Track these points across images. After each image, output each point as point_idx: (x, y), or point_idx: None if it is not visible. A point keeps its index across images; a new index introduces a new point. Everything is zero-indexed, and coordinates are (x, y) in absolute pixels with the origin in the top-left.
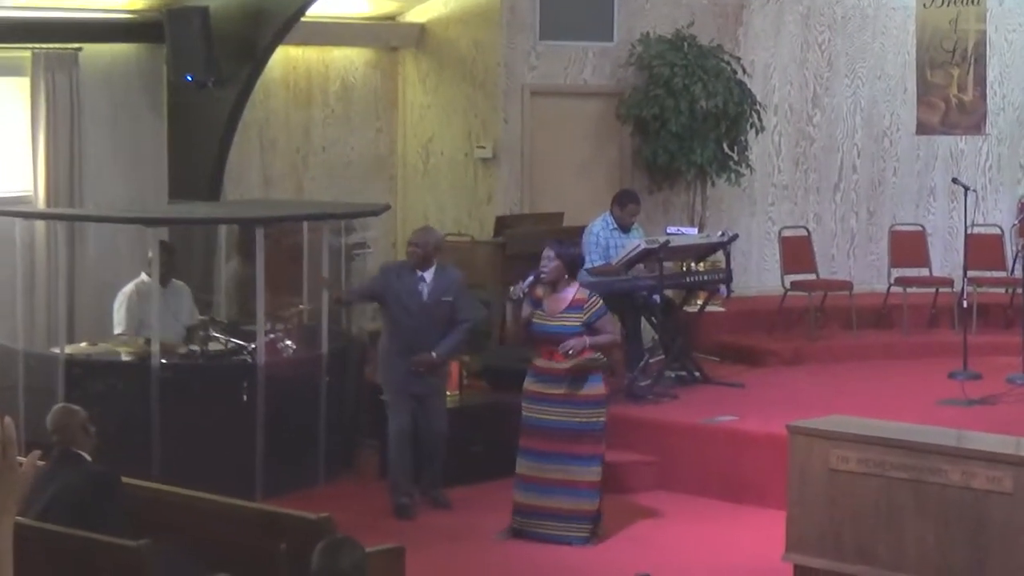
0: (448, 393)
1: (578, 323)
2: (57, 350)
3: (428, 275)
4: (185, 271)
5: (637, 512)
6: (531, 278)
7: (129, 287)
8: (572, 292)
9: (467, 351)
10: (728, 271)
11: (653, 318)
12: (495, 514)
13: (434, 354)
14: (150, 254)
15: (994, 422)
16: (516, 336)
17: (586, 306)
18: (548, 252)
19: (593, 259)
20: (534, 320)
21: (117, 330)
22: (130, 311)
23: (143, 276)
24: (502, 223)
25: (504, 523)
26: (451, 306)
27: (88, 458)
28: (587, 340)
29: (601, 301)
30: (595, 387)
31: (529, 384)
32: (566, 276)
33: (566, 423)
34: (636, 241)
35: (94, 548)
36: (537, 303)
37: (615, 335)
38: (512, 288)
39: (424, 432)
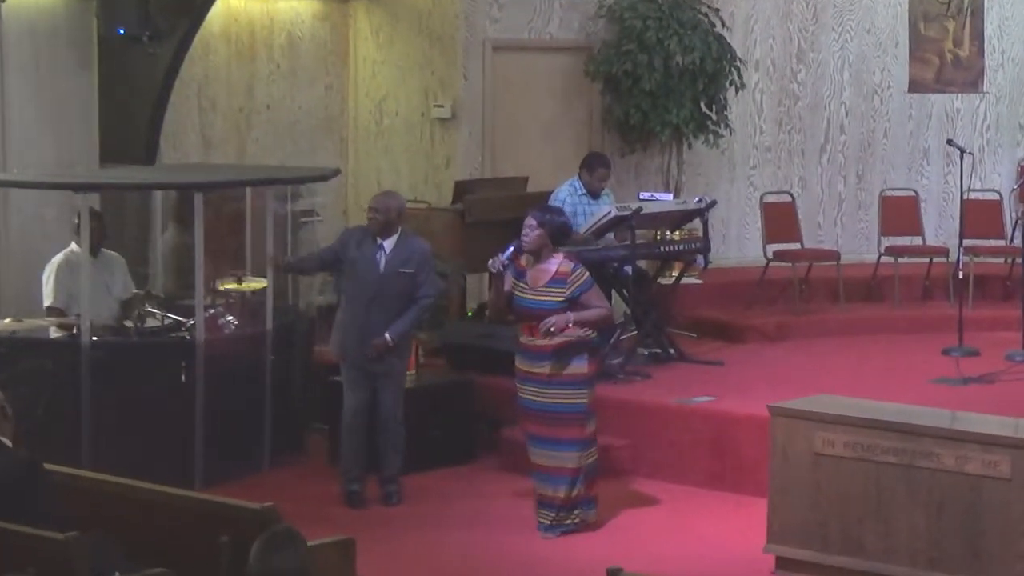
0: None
1: (560, 298)
2: None
3: (388, 244)
4: (118, 241)
5: (608, 500)
6: (511, 248)
7: (58, 257)
8: (555, 264)
9: (425, 327)
10: (706, 240)
11: (625, 291)
12: (453, 503)
13: (388, 336)
14: (76, 221)
15: (991, 402)
16: (497, 311)
17: (570, 279)
18: (530, 220)
19: None
20: (516, 293)
21: (47, 302)
22: (59, 283)
23: (73, 246)
24: (461, 188)
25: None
26: (411, 279)
27: (8, 443)
28: (570, 316)
29: (587, 274)
30: (578, 366)
31: (517, 361)
32: (550, 246)
33: (550, 405)
34: (606, 208)
35: (14, 541)
36: (521, 273)
37: (604, 309)
38: (491, 261)
39: (380, 416)
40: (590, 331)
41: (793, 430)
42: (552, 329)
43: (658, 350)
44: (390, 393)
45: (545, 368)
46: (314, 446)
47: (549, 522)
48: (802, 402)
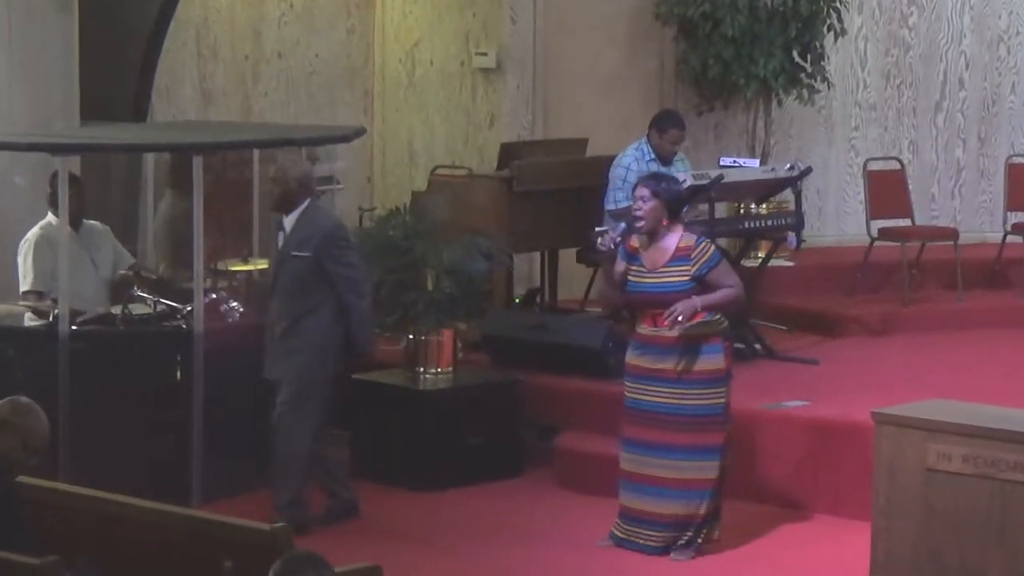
0: (438, 370)
1: (686, 278)
2: None
3: (289, 221)
4: (101, 212)
5: None
6: (623, 226)
7: (34, 232)
8: (675, 239)
9: (463, 317)
10: (798, 215)
11: None
12: (495, 523)
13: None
14: (49, 189)
15: None
16: (608, 299)
17: (694, 255)
18: (642, 191)
19: (619, 199)
20: (629, 278)
21: (25, 286)
22: (37, 262)
23: (50, 217)
24: (508, 152)
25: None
26: (309, 267)
27: None
28: (697, 301)
29: (713, 247)
30: (712, 360)
31: (631, 357)
32: (666, 221)
33: (676, 407)
34: (680, 176)
35: None
36: (633, 256)
37: (736, 288)
38: (599, 239)
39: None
40: (719, 316)
41: (901, 441)
42: (680, 318)
43: (742, 345)
44: (284, 406)
45: (674, 364)
46: (333, 456)
47: (690, 543)
48: (912, 408)
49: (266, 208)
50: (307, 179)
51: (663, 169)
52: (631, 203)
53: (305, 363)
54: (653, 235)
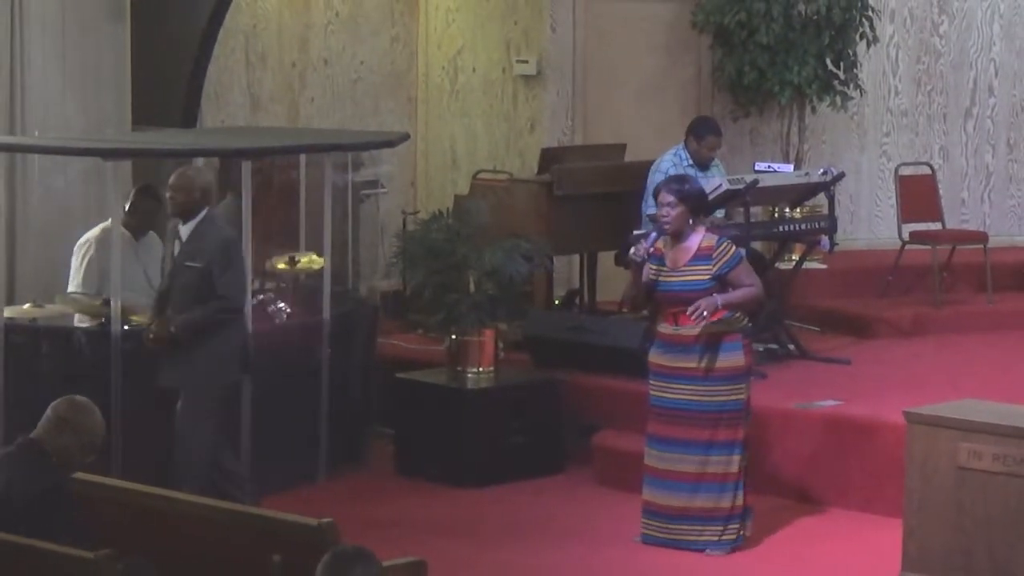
0: (480, 369)
1: (707, 276)
2: None
3: (185, 230)
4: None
5: None
6: (654, 236)
7: (92, 234)
8: (698, 239)
9: (504, 318)
10: (831, 219)
11: None
12: (539, 519)
13: (172, 328)
14: (126, 199)
15: None
16: (638, 302)
17: (715, 254)
18: (667, 197)
19: None
20: (652, 277)
21: (73, 287)
22: (91, 267)
23: (110, 222)
24: (549, 157)
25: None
26: (201, 278)
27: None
28: (718, 299)
29: (734, 247)
30: (733, 357)
31: (654, 356)
32: (691, 220)
33: (699, 404)
34: (716, 181)
35: (40, 560)
36: (659, 257)
37: (756, 287)
38: (633, 249)
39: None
40: (739, 314)
41: (933, 440)
42: (705, 314)
43: (775, 346)
44: (180, 413)
45: (693, 361)
46: (378, 453)
47: (732, 536)
48: (944, 408)
49: (315, 211)
50: (210, 189)
51: (700, 175)
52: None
53: (201, 372)
54: (677, 235)
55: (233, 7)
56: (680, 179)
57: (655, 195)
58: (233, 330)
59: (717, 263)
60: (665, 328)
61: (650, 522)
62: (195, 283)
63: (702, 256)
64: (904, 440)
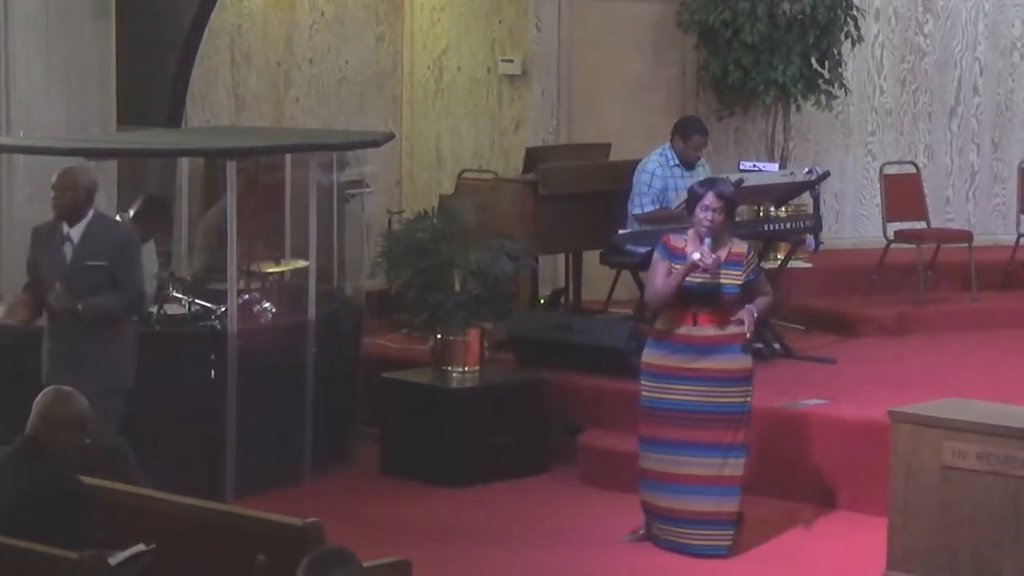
0: (465, 369)
1: (740, 281)
2: None
3: (76, 232)
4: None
5: None
6: (708, 241)
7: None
8: (729, 244)
9: (489, 318)
10: (816, 218)
11: None
12: (523, 519)
13: (79, 306)
14: (133, 207)
15: None
16: (663, 298)
17: (746, 261)
18: (715, 201)
19: (644, 203)
20: (692, 279)
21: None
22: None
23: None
24: (534, 156)
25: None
26: (105, 275)
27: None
28: (753, 310)
29: (753, 252)
30: (742, 359)
31: (653, 357)
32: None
33: (706, 405)
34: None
35: (22, 559)
36: (674, 254)
37: (771, 294)
38: (697, 258)
39: None
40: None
41: (918, 439)
42: (749, 333)
43: (760, 345)
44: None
45: (699, 362)
46: (362, 453)
47: (729, 542)
48: (928, 407)
49: (300, 211)
50: (95, 189)
51: (686, 174)
52: (664, 207)
53: (101, 375)
54: (716, 238)
55: (218, 6)
56: (723, 183)
57: (691, 195)
58: (132, 336)
59: (747, 270)
60: (683, 329)
61: (658, 524)
62: (99, 281)
63: (734, 261)
64: (889, 439)
